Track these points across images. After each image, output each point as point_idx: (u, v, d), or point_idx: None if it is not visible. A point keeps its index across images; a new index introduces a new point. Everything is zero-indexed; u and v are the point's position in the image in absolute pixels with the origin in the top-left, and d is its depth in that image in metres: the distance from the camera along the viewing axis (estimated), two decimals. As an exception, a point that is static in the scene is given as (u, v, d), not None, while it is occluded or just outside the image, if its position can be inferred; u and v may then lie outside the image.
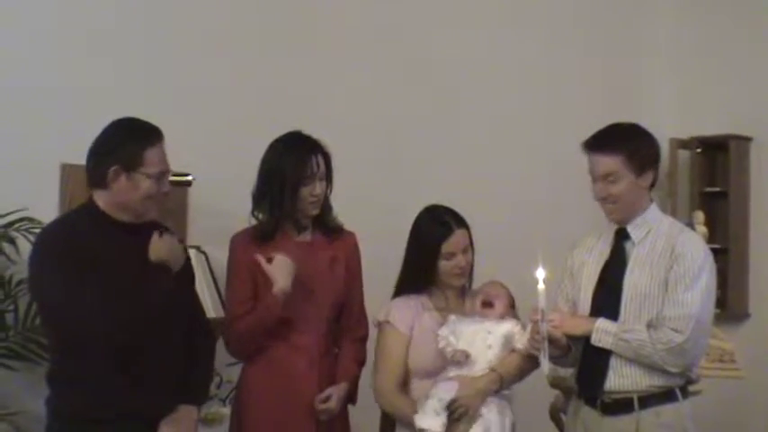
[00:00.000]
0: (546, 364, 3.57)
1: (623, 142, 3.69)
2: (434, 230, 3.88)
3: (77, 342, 3.34)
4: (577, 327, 3.69)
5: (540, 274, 3.49)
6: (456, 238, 3.86)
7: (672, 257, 3.64)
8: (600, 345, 3.64)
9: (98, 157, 3.47)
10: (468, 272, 3.94)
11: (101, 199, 3.48)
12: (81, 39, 4.62)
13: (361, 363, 4.01)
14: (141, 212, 3.49)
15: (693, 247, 3.70)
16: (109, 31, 4.71)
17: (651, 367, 3.61)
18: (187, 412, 3.52)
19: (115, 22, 4.74)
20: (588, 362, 3.73)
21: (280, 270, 3.79)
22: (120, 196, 3.44)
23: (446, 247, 3.84)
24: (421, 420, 3.60)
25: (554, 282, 3.73)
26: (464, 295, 3.98)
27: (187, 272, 3.73)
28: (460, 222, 3.90)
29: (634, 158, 3.66)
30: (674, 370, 3.61)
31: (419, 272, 3.91)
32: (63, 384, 3.44)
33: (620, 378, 3.65)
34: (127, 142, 3.44)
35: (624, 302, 3.67)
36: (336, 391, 3.88)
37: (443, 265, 3.86)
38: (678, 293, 3.60)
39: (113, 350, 3.33)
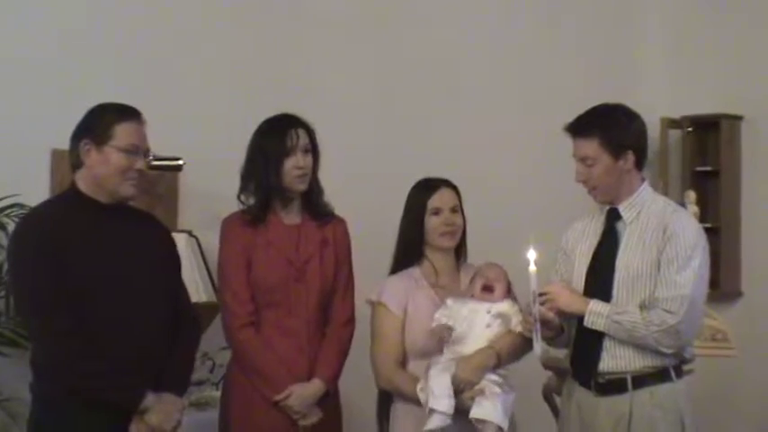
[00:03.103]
0: (538, 346, 3.58)
1: (598, 126, 3.70)
2: (421, 189, 3.96)
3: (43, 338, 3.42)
4: (571, 304, 3.68)
5: (532, 255, 3.50)
6: (442, 194, 3.92)
7: (664, 237, 3.64)
8: (593, 327, 3.64)
9: (74, 136, 3.51)
10: (458, 234, 3.95)
11: (81, 180, 3.51)
12: (73, 25, 4.60)
13: (345, 352, 3.99)
14: (114, 188, 3.49)
15: (686, 226, 3.69)
16: (99, 16, 4.70)
17: (645, 348, 3.62)
18: (171, 400, 3.52)
19: (105, 7, 4.72)
20: (582, 343, 3.74)
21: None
22: (94, 172, 3.47)
23: (432, 202, 3.89)
24: (432, 402, 3.58)
25: (548, 262, 3.75)
26: (458, 270, 3.99)
27: (173, 259, 3.75)
28: (448, 184, 3.97)
29: (610, 142, 3.67)
30: (668, 351, 3.62)
31: (410, 236, 3.93)
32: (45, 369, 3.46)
33: (614, 359, 3.65)
34: (99, 118, 3.49)
35: (617, 283, 3.67)
36: (301, 390, 3.85)
37: (431, 222, 3.88)
38: (671, 274, 3.60)
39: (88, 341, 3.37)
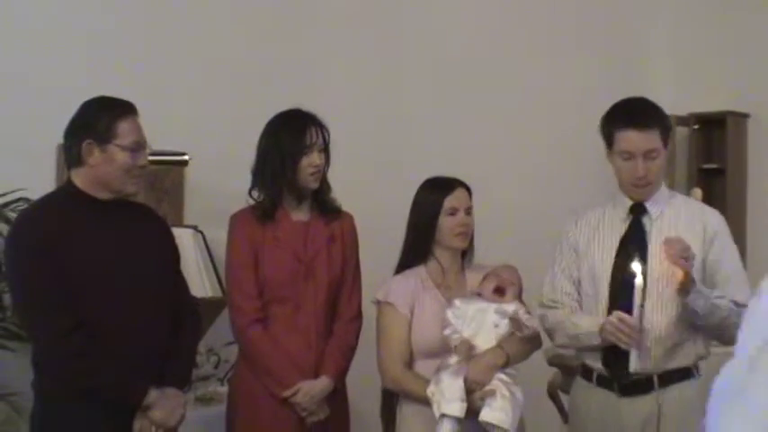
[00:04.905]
0: (636, 361, 3.47)
1: (657, 117, 3.66)
2: (437, 187, 3.88)
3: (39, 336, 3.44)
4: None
5: (637, 267, 3.38)
6: (459, 194, 3.85)
7: (706, 235, 3.60)
8: (694, 306, 3.48)
9: (72, 134, 3.48)
10: (470, 236, 3.91)
11: (78, 178, 3.48)
12: (77, 21, 4.60)
13: (352, 348, 3.99)
14: (119, 187, 3.47)
15: (720, 221, 3.69)
16: (106, 12, 4.70)
17: (673, 348, 3.56)
18: (174, 395, 3.52)
19: (110, 4, 4.72)
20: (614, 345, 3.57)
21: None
22: (97, 171, 3.43)
23: (449, 201, 3.82)
24: (444, 407, 3.53)
25: (546, 262, 3.72)
26: (464, 270, 3.94)
27: (172, 252, 3.74)
28: (463, 184, 3.90)
29: (665, 132, 3.65)
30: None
31: (421, 234, 3.88)
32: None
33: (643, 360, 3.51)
34: (98, 116, 3.44)
35: (648, 276, 3.48)
36: (309, 387, 3.85)
37: (446, 221, 3.82)
38: (741, 274, 3.62)
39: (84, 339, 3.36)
